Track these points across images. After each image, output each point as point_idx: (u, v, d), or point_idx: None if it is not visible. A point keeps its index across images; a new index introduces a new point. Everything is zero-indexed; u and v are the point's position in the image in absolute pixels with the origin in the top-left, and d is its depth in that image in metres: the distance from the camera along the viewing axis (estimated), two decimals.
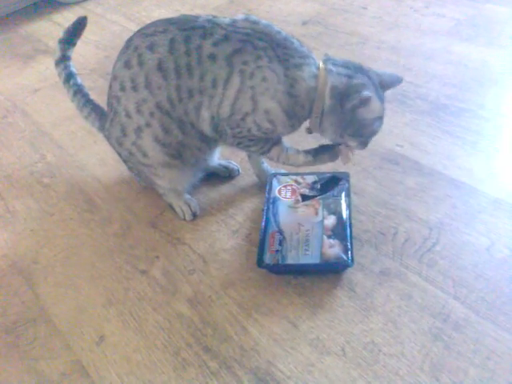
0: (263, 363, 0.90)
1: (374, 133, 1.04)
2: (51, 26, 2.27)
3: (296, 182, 1.18)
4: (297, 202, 1.14)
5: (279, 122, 1.02)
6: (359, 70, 1.02)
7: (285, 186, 1.18)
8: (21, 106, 1.74)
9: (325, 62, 1.02)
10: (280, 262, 1.02)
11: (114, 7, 2.38)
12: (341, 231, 1.05)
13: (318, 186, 1.16)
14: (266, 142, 1.07)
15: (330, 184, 1.16)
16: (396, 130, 1.38)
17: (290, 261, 1.02)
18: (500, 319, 0.91)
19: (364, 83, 0.99)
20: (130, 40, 1.07)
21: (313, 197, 1.13)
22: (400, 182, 1.22)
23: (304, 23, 1.98)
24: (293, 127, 1.06)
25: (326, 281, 1.02)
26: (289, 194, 1.16)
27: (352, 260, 1.00)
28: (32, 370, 0.95)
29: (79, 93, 1.24)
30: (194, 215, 1.21)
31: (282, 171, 1.24)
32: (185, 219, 1.20)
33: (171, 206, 1.22)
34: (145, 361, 0.94)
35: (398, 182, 1.22)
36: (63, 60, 1.26)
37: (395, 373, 0.86)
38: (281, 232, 1.07)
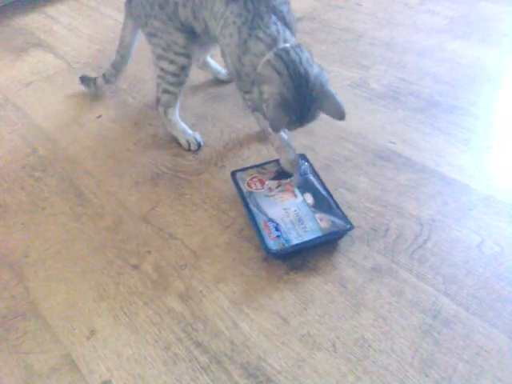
0: (254, 358, 0.91)
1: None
2: (44, 19, 2.24)
3: (258, 172, 1.21)
4: (270, 190, 1.16)
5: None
6: None
7: (251, 179, 1.20)
8: (13, 99, 1.73)
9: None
10: (286, 245, 1.03)
11: (108, 0, 2.36)
12: (322, 204, 1.10)
13: (281, 171, 1.20)
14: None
15: None
16: (388, 126, 1.38)
17: (294, 241, 1.04)
18: (489, 316, 0.92)
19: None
20: None
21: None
22: (392, 179, 1.22)
23: (299, 19, 1.97)
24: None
25: (317, 276, 1.02)
26: (259, 185, 1.18)
27: (350, 223, 1.05)
28: (21, 363, 0.95)
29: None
30: (199, 146, 1.23)
31: (240, 169, 1.24)
32: (190, 150, 1.22)
33: (176, 139, 1.24)
34: (135, 355, 0.94)
35: (390, 178, 1.22)
36: None
37: (385, 368, 0.86)
38: (272, 220, 1.09)
